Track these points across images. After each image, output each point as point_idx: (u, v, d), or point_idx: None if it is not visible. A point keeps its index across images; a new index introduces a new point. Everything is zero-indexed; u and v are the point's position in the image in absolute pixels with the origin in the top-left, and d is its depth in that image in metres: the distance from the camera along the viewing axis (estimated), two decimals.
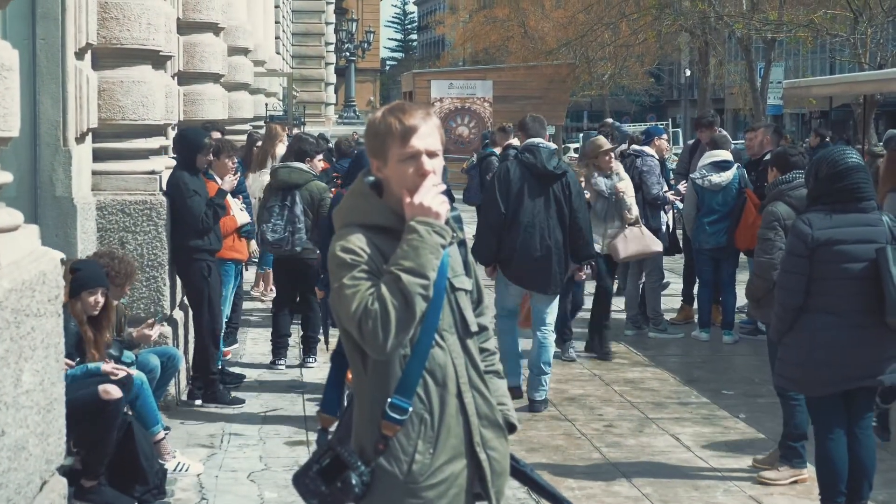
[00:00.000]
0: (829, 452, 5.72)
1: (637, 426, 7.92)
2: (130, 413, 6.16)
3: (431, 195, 3.23)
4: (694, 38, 32.71)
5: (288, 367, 9.53)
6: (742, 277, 10.12)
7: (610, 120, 17.97)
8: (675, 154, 20.14)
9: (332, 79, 49.74)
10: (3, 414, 3.72)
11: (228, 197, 8.54)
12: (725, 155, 10.57)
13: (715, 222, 10.41)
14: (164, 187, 8.08)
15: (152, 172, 8.04)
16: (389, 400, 3.23)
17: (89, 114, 7.22)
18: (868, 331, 5.57)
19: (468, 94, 33.12)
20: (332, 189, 10.44)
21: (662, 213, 11.14)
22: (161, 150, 8.62)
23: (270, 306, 10.53)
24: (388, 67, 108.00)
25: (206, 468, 6.77)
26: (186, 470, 6.62)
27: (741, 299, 10.12)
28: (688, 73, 57.10)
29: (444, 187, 3.28)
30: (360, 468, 3.24)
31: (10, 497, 3.77)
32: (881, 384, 5.77)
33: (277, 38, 29.53)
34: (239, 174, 9.01)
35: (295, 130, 15.58)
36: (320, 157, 9.98)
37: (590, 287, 10.26)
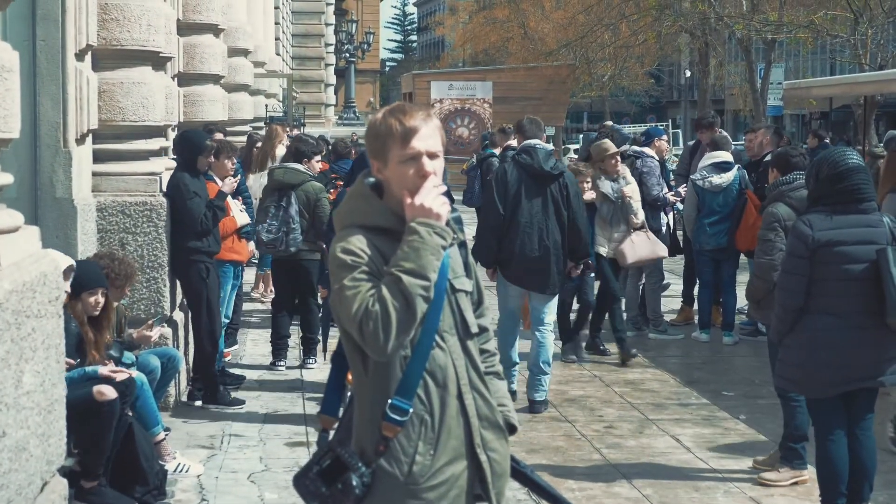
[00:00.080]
0: (829, 453, 5.72)
1: (637, 427, 7.92)
2: (131, 414, 6.16)
3: (432, 196, 3.23)
4: (694, 39, 32.70)
5: (288, 368, 9.54)
6: (742, 278, 10.11)
7: (609, 122, 17.96)
8: (675, 155, 20.16)
9: (332, 80, 49.76)
10: (4, 415, 3.72)
11: (228, 198, 8.54)
12: (726, 156, 10.57)
13: (715, 223, 10.41)
14: (165, 188, 8.09)
15: (152, 174, 8.05)
16: (390, 401, 3.23)
17: (89, 115, 7.22)
18: (868, 332, 5.58)
19: (468, 96, 33.12)
20: (332, 191, 10.45)
21: (662, 214, 11.14)
22: (161, 152, 8.62)
23: (270, 308, 10.53)
24: (387, 69, 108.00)
25: (207, 469, 6.77)
26: (187, 471, 6.62)
27: (741, 300, 10.12)
28: (688, 74, 57.08)
29: (444, 188, 3.29)
30: (360, 469, 3.23)
31: (11, 498, 3.77)
32: (882, 385, 5.77)
33: (277, 39, 29.54)
34: (239, 176, 9.02)
35: (294, 132, 15.57)
36: (318, 158, 9.99)
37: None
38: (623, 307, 10.34)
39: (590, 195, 9.48)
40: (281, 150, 11.52)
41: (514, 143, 12.59)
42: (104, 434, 5.78)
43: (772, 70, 29.55)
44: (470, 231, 9.04)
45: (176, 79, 10.54)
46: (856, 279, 5.55)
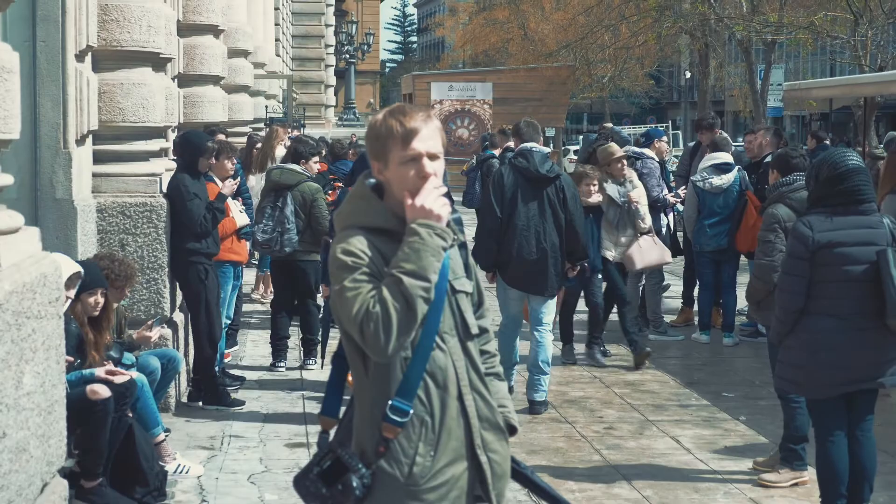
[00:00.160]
0: (829, 455, 5.72)
1: (637, 428, 7.92)
2: (131, 415, 6.16)
3: (433, 198, 3.23)
4: (694, 41, 32.72)
5: (288, 368, 9.54)
6: (742, 280, 10.11)
7: (609, 124, 17.96)
8: (675, 156, 20.14)
9: (332, 81, 49.71)
10: (5, 416, 3.72)
11: (228, 199, 8.54)
12: (726, 157, 10.57)
13: (716, 224, 10.41)
14: (165, 189, 8.09)
15: (152, 175, 8.05)
16: (390, 402, 3.23)
17: (89, 116, 7.22)
18: (869, 333, 5.58)
19: (468, 97, 33.16)
20: (330, 192, 10.45)
21: (662, 215, 11.14)
22: (161, 153, 8.62)
23: (270, 309, 10.53)
24: (387, 69, 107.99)
25: (207, 470, 6.77)
26: (187, 472, 6.62)
27: (741, 301, 10.12)
28: (688, 75, 57.05)
29: (445, 190, 3.29)
30: (360, 470, 3.23)
31: (12, 499, 3.77)
32: (882, 386, 5.77)
33: (277, 40, 29.52)
34: (239, 178, 9.02)
35: (294, 132, 15.56)
36: (316, 159, 10.00)
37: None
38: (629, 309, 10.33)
39: (596, 198, 9.43)
40: (280, 151, 11.54)
41: (513, 144, 12.59)
42: (100, 433, 5.77)
43: (772, 71, 29.56)
44: (470, 232, 9.05)
45: (176, 80, 10.54)
46: (856, 280, 5.55)
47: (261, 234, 9.34)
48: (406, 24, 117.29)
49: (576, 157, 24.69)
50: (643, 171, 10.83)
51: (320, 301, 10.00)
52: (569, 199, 8.23)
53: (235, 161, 9.21)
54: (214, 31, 11.78)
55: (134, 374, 6.24)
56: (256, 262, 12.87)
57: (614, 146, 10.24)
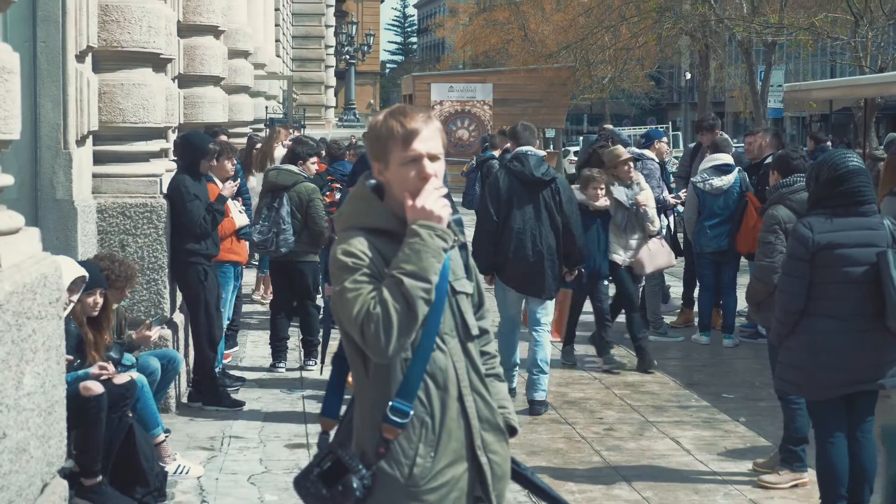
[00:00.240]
0: (829, 456, 5.72)
1: (637, 430, 7.92)
2: (131, 415, 6.16)
3: (433, 199, 3.23)
4: (694, 42, 32.72)
5: (288, 369, 9.54)
6: (742, 281, 10.11)
7: (609, 126, 17.95)
8: (676, 157, 20.15)
9: (332, 82, 49.71)
10: (5, 416, 3.72)
11: (228, 200, 8.55)
12: (726, 158, 10.57)
13: (716, 226, 10.41)
14: (165, 190, 8.09)
15: (153, 175, 8.05)
16: (390, 403, 3.23)
17: (90, 116, 7.22)
18: (869, 334, 5.57)
19: (468, 98, 33.15)
20: (328, 193, 10.45)
21: (663, 216, 11.13)
22: (161, 153, 8.62)
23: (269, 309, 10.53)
24: (388, 70, 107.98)
25: (207, 471, 6.77)
26: (187, 472, 6.62)
27: (742, 303, 10.12)
28: (688, 76, 57.08)
29: (445, 191, 3.29)
30: (361, 471, 3.23)
31: (12, 499, 3.77)
32: (882, 388, 5.77)
33: (277, 41, 29.53)
34: (239, 179, 9.02)
35: (294, 133, 15.56)
36: (314, 159, 10.00)
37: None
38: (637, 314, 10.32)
39: (603, 202, 9.37)
40: (280, 152, 11.54)
41: (510, 147, 12.56)
42: (94, 430, 5.76)
43: (772, 72, 29.54)
44: (469, 233, 9.04)
45: (176, 80, 10.54)
46: (856, 282, 5.55)
47: (257, 234, 9.34)
48: (406, 24, 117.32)
49: (576, 159, 24.69)
50: (643, 173, 10.82)
51: (319, 302, 10.01)
52: (564, 202, 8.23)
53: (235, 162, 9.21)
54: (215, 31, 11.78)
55: (134, 374, 6.24)
56: (256, 263, 12.88)
57: (620, 149, 10.15)
